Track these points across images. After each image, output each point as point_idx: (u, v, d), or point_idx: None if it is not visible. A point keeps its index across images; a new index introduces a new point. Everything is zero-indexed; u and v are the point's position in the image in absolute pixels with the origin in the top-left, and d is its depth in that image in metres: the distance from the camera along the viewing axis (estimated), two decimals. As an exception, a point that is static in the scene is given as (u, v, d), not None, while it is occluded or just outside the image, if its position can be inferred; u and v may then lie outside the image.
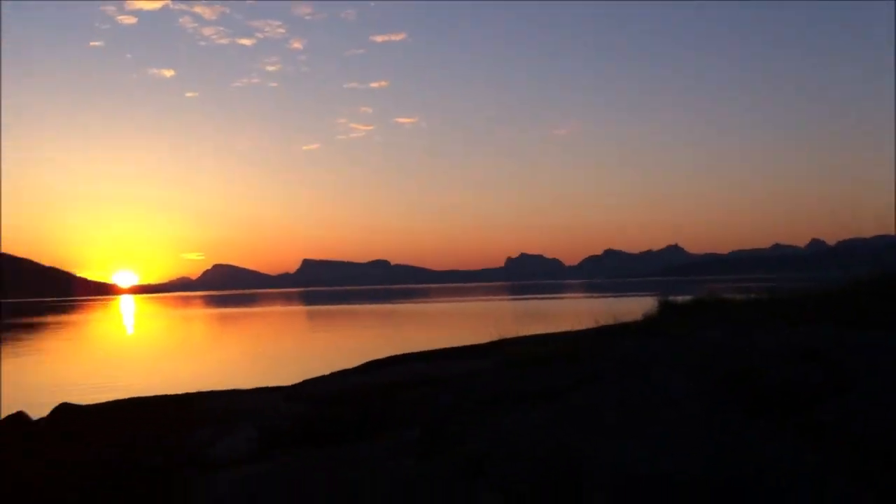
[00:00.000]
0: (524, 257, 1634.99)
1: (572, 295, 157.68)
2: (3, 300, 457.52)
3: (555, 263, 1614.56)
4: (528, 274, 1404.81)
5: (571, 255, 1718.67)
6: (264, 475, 8.28)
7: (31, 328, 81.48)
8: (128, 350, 49.14)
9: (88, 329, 79.06)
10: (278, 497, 7.54)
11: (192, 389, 21.13)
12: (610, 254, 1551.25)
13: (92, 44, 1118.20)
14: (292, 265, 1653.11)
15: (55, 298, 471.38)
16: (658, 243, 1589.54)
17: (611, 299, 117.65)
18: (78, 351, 48.50)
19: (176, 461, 10.82)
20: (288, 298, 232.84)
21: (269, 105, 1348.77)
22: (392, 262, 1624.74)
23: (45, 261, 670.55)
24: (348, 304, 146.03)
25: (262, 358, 38.41)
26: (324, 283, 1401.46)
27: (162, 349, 48.76)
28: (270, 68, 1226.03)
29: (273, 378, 25.09)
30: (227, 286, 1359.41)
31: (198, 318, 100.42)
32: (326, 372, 23.61)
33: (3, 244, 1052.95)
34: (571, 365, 11.42)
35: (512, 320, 63.26)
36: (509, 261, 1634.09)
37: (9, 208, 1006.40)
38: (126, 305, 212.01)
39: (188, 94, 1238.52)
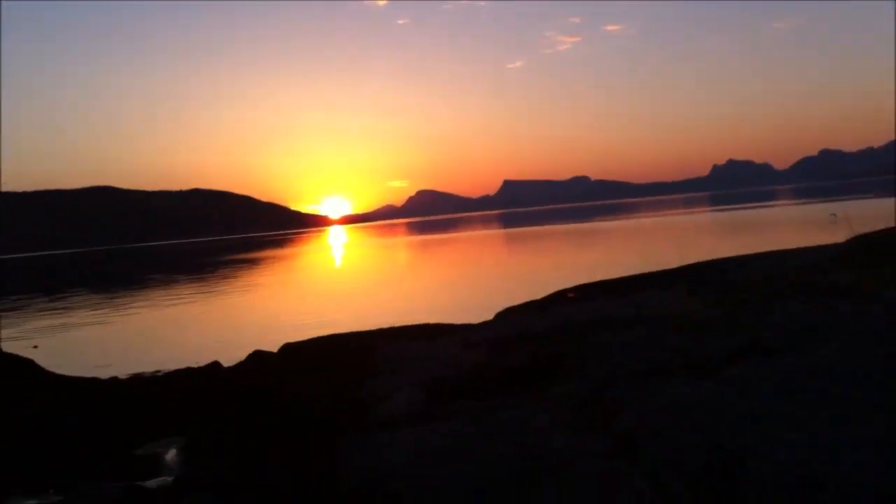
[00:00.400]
0: (731, 164, 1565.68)
1: (777, 202, 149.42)
2: (227, 236, 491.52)
3: (765, 168, 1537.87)
4: (735, 181, 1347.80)
5: (783, 158, 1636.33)
6: (410, 441, 8.10)
7: (252, 263, 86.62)
8: (332, 284, 51.13)
9: (298, 264, 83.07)
10: (419, 468, 7.30)
11: (385, 324, 21.65)
12: (826, 154, 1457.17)
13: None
14: (493, 187, 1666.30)
15: (273, 232, 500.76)
16: (879, 138, 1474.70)
17: (820, 206, 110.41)
18: (289, 287, 51.01)
19: (343, 416, 11.01)
20: (486, 222, 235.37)
21: (477, 26, 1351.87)
22: (593, 178, 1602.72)
23: (264, 197, 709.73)
24: (545, 224, 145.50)
25: (454, 289, 38.79)
26: (524, 202, 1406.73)
27: (363, 282, 50.40)
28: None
29: (462, 313, 25.25)
30: (430, 212, 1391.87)
31: (399, 248, 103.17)
32: (516, 303, 23.47)
33: (224, 183, 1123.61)
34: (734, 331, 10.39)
35: (704, 237, 60.80)
36: (715, 168, 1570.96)
37: (229, 146, 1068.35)
38: (334, 237, 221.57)
39: (399, 22, 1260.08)
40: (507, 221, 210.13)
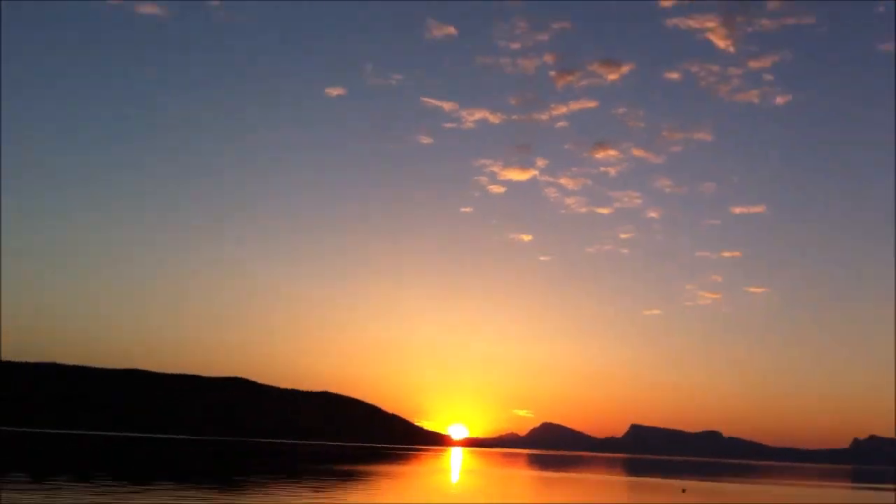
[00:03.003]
0: (874, 439, 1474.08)
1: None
2: (351, 443, 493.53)
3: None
4: (877, 458, 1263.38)
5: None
6: None
7: (354, 476, 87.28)
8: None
9: (400, 482, 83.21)
10: None
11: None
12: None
13: (463, 210, 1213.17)
14: (620, 429, 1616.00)
15: (394, 445, 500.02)
16: None
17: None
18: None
19: None
20: (611, 465, 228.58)
21: (618, 270, 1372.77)
22: (724, 434, 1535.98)
23: (389, 408, 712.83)
24: (673, 477, 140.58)
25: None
26: (651, 450, 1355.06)
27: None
28: (624, 236, 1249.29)
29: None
30: (553, 445, 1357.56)
31: (515, 480, 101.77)
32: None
33: (354, 390, 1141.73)
34: None
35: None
36: (856, 441, 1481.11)
37: (363, 357, 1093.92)
38: (452, 459, 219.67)
39: (542, 258, 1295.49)
40: (632, 468, 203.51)
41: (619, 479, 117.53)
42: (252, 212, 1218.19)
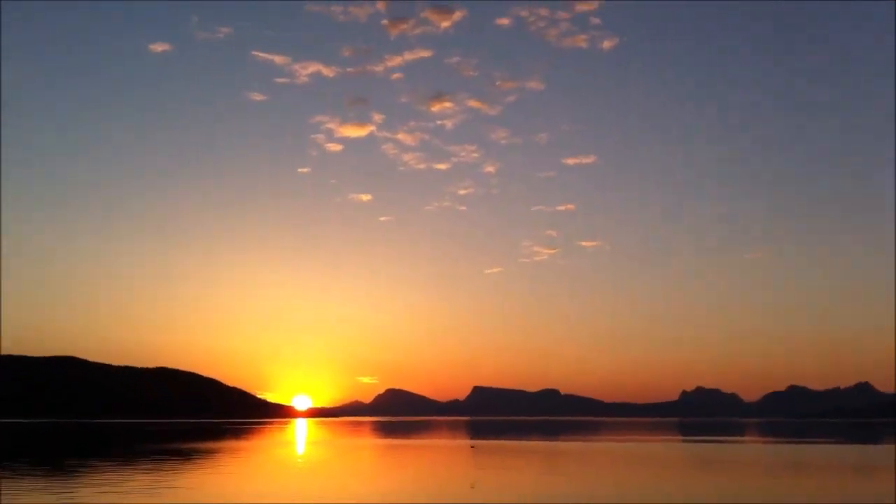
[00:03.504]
0: (700, 391, 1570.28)
1: (745, 439, 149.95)
2: (190, 419, 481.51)
3: (732, 399, 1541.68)
4: (703, 409, 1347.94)
5: (751, 391, 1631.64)
6: None
7: (201, 454, 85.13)
8: (278, 484, 50.45)
9: (245, 459, 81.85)
10: None
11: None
12: (794, 390, 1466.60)
13: (300, 170, 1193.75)
14: (462, 392, 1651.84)
15: (236, 420, 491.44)
16: (847, 379, 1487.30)
17: (787, 448, 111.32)
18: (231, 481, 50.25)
19: None
20: (453, 429, 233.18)
21: (458, 228, 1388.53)
22: (562, 392, 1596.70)
23: (230, 381, 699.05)
24: (512, 438, 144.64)
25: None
26: (492, 411, 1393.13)
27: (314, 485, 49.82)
28: (462, 191, 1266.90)
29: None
30: (398, 412, 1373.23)
31: (360, 450, 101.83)
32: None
33: (192, 363, 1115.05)
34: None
35: (674, 473, 60.97)
36: (684, 394, 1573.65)
37: (200, 327, 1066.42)
38: (297, 431, 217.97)
39: (381, 219, 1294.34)
40: (475, 431, 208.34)
41: (460, 443, 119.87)
42: (72, 182, 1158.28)
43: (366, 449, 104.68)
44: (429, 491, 44.68)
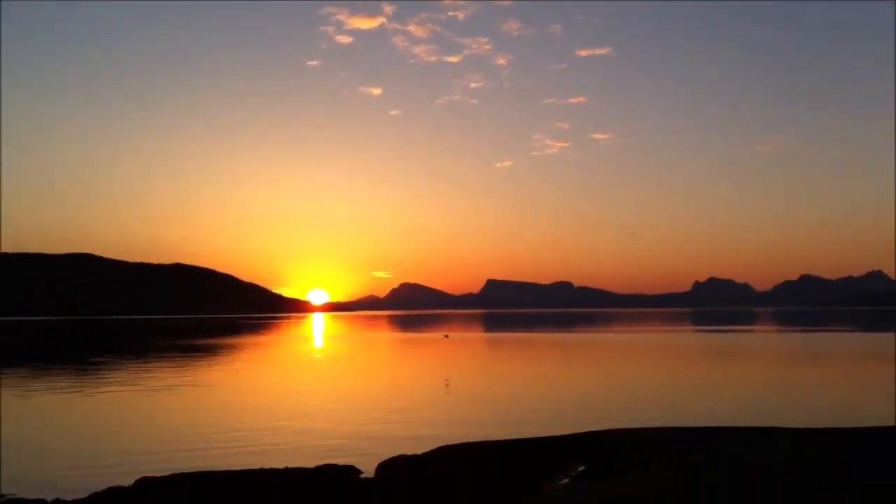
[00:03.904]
0: (712, 281, 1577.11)
1: (757, 327, 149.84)
2: (206, 314, 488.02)
3: (745, 289, 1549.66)
4: (715, 299, 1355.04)
5: (764, 280, 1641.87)
6: None
7: (223, 350, 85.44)
8: (298, 385, 50.15)
9: (269, 355, 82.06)
10: None
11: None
12: (806, 279, 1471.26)
13: (310, 63, 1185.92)
14: (476, 285, 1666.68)
15: (253, 315, 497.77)
16: (859, 268, 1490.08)
17: (799, 336, 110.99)
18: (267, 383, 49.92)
19: None
20: (467, 322, 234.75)
21: (469, 122, 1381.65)
22: (575, 284, 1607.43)
23: (245, 277, 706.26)
24: (524, 330, 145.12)
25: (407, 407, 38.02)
26: (506, 303, 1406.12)
27: (330, 386, 49.53)
28: (474, 85, 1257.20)
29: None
30: (412, 305, 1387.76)
31: (375, 344, 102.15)
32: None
33: (208, 260, 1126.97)
34: None
35: (686, 367, 60.38)
36: (696, 285, 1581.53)
37: (215, 223, 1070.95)
38: (313, 325, 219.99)
39: (392, 112, 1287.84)
40: (487, 323, 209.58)
41: (476, 336, 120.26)
42: (92, 77, 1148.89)
43: (378, 343, 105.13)
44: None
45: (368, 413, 32.74)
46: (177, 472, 19.27)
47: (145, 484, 18.07)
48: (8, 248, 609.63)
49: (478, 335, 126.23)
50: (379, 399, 37.97)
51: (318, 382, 48.75)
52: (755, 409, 32.54)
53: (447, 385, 43.28)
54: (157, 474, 19.07)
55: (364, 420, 30.57)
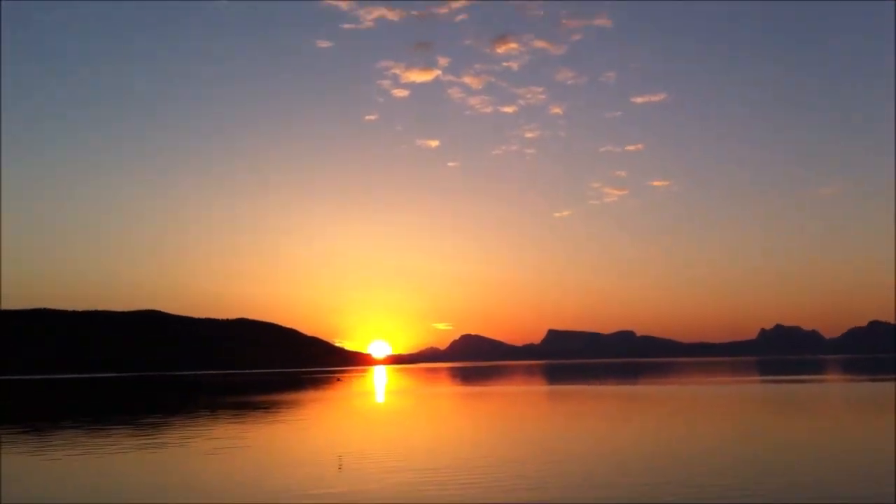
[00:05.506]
0: (779, 329, 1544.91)
1: (827, 377, 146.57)
2: (269, 368, 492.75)
3: (813, 336, 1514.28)
4: (782, 347, 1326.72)
5: (832, 327, 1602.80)
6: None
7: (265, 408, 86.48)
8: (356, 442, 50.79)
9: (324, 409, 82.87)
10: None
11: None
12: (875, 325, 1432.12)
13: (367, 118, 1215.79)
14: (537, 335, 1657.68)
15: (316, 368, 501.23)
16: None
17: (868, 387, 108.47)
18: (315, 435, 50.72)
19: None
20: (529, 373, 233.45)
21: (526, 172, 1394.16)
22: (638, 333, 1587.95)
23: (308, 331, 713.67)
24: (590, 382, 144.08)
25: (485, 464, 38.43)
26: (568, 354, 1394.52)
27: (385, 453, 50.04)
28: (529, 134, 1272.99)
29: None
30: (473, 356, 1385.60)
31: (438, 398, 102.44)
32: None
33: (271, 315, 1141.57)
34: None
35: (757, 423, 59.70)
36: (762, 332, 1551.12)
37: (277, 278, 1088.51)
38: (375, 379, 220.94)
39: (450, 164, 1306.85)
40: (551, 375, 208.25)
41: (541, 389, 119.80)
42: (145, 138, 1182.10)
43: (442, 398, 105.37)
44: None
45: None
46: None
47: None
48: (78, 306, 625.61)
49: (541, 388, 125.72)
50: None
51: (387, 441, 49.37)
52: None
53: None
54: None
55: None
